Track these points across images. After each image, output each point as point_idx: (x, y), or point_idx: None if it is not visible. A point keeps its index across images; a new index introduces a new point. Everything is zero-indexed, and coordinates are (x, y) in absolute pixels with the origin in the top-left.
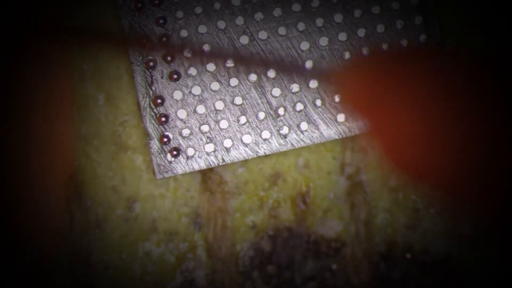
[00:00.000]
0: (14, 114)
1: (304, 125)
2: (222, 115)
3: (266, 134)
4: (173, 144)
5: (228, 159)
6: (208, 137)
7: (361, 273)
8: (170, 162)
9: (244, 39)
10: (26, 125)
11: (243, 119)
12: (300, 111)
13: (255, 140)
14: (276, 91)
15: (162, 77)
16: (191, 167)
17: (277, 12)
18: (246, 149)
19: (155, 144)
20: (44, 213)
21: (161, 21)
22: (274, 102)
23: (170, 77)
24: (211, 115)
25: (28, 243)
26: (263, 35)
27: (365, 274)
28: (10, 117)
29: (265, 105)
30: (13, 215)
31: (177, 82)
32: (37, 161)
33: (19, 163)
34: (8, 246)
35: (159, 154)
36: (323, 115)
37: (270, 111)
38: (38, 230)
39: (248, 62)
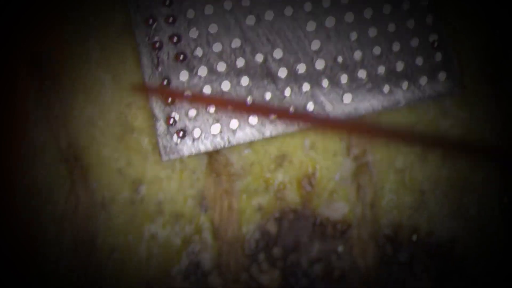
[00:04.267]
0: None
1: (310, 106)
2: (229, 96)
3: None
4: (179, 125)
5: (234, 141)
6: (214, 118)
7: (367, 255)
8: (176, 144)
9: (251, 20)
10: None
11: (249, 100)
12: (306, 91)
13: (261, 121)
14: (283, 72)
15: (168, 58)
16: (197, 148)
17: None
18: (253, 130)
19: (161, 126)
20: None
21: (167, 1)
22: (280, 83)
23: (176, 58)
24: (217, 95)
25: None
26: (269, 15)
27: (371, 256)
28: None
29: (271, 85)
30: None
31: (183, 62)
32: None
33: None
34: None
35: (165, 135)
36: (329, 95)
37: (276, 91)
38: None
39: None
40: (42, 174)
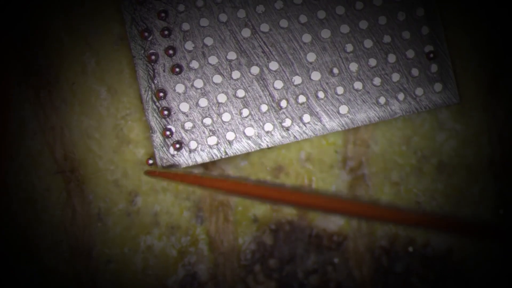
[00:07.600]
0: None
1: (306, 117)
2: (225, 108)
3: (268, 126)
4: (175, 137)
5: (230, 152)
6: (210, 130)
7: (363, 267)
8: (172, 156)
9: (246, 32)
10: None
11: (245, 112)
12: (303, 103)
13: (258, 133)
14: (278, 84)
15: (164, 71)
16: (194, 160)
17: (278, 4)
18: (249, 141)
19: (157, 138)
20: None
21: (163, 14)
22: (276, 95)
23: (172, 71)
24: (214, 108)
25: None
26: (265, 27)
27: (367, 268)
28: None
29: (267, 97)
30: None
31: (179, 75)
32: None
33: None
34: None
35: (162, 147)
36: (325, 107)
37: (273, 103)
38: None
39: None
40: (38, 185)
